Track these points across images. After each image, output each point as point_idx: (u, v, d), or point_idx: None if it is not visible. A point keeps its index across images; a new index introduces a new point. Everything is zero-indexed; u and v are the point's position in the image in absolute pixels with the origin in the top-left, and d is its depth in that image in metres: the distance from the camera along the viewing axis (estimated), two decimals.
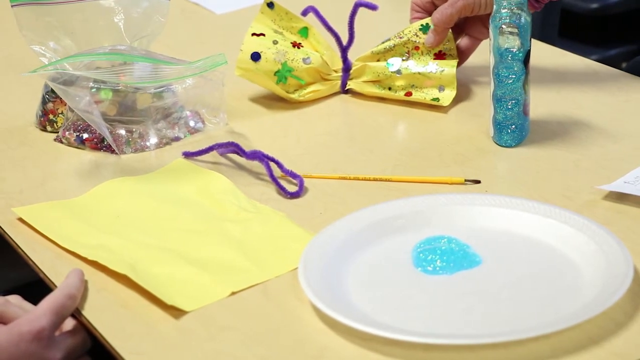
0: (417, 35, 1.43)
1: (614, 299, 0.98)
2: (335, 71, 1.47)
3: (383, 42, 1.44)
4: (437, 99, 1.40)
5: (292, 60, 1.43)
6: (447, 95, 1.40)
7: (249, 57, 1.42)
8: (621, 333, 0.97)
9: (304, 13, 1.46)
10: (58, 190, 1.28)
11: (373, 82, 1.44)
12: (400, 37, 1.43)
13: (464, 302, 1.03)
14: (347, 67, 1.46)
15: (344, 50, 1.45)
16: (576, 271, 1.05)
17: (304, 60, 1.43)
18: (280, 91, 1.44)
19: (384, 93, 1.43)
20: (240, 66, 1.43)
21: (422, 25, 1.43)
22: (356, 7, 1.45)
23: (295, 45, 1.45)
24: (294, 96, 1.44)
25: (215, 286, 1.07)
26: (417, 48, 1.43)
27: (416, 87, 1.42)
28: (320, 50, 1.46)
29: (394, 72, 1.42)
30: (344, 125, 1.42)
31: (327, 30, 1.45)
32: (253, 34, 1.44)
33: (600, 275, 1.03)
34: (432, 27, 1.42)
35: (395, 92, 1.43)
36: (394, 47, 1.43)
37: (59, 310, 1.04)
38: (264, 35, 1.44)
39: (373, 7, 1.45)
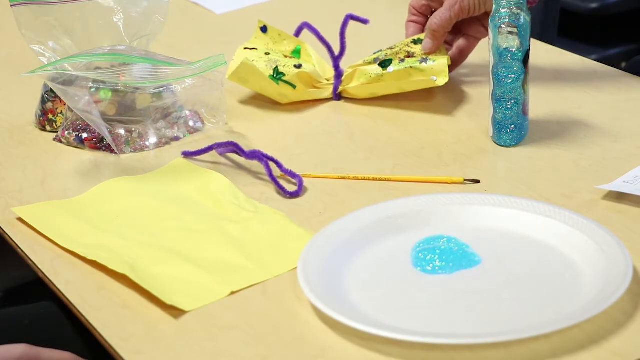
0: (409, 46, 1.43)
1: (613, 298, 0.98)
2: (327, 80, 1.46)
3: (375, 53, 1.44)
4: (430, 82, 1.39)
5: (284, 66, 1.43)
6: (441, 80, 1.39)
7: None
8: (621, 333, 0.97)
9: (297, 33, 1.48)
10: (57, 190, 1.28)
11: (364, 85, 1.43)
12: (392, 49, 1.43)
13: (463, 302, 1.03)
14: (339, 74, 1.45)
15: (336, 59, 1.45)
16: (576, 271, 1.05)
17: (295, 66, 1.43)
18: (270, 90, 1.44)
19: (376, 86, 1.42)
20: (232, 71, 1.43)
21: (414, 39, 1.43)
22: (347, 19, 1.46)
23: (287, 57, 1.46)
24: (285, 93, 1.44)
25: (214, 286, 1.07)
26: (409, 56, 1.42)
27: (408, 80, 1.41)
28: (312, 62, 1.47)
29: (385, 69, 1.41)
30: (343, 125, 1.42)
31: (319, 42, 1.45)
32: (245, 48, 1.45)
33: (600, 275, 1.03)
34: (429, 32, 1.41)
35: (387, 87, 1.42)
36: (385, 57, 1.42)
37: None
38: (256, 49, 1.45)
39: (364, 21, 1.47)
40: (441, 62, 1.40)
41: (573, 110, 1.39)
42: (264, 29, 1.49)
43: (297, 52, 1.48)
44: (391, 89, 1.43)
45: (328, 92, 1.46)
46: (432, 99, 1.45)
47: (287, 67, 1.43)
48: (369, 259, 1.10)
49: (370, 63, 1.43)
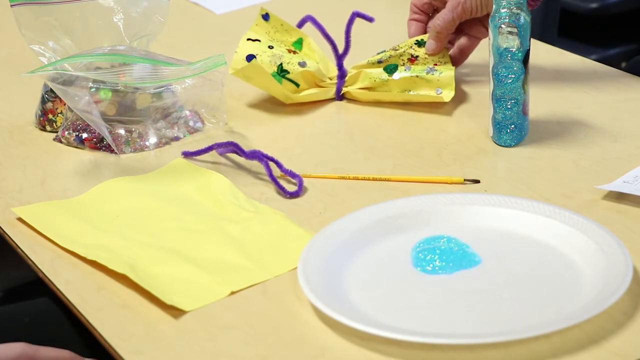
0: (412, 49, 1.42)
1: (613, 298, 0.98)
2: (330, 79, 1.46)
3: (379, 53, 1.44)
4: (435, 97, 1.40)
5: (288, 63, 1.42)
6: (446, 94, 1.40)
7: (244, 59, 1.42)
8: (621, 333, 0.97)
9: (301, 24, 1.47)
10: (57, 190, 1.28)
11: (368, 88, 1.43)
12: (396, 50, 1.43)
13: (463, 302, 1.03)
14: (342, 74, 1.45)
15: (339, 58, 1.45)
16: (576, 271, 1.05)
17: (299, 63, 1.43)
18: (274, 90, 1.43)
19: (381, 94, 1.42)
20: (235, 67, 1.42)
21: (417, 40, 1.43)
22: (353, 16, 1.45)
23: (291, 52, 1.45)
24: (289, 94, 1.43)
25: (214, 286, 1.07)
26: (412, 60, 1.42)
27: (413, 90, 1.41)
28: (315, 59, 1.46)
29: (390, 75, 1.41)
30: (343, 125, 1.42)
31: (323, 38, 1.45)
32: (248, 39, 1.44)
33: (600, 275, 1.03)
34: (433, 33, 1.41)
35: (392, 96, 1.42)
36: (389, 58, 1.42)
37: None
38: (259, 41, 1.44)
39: (370, 19, 1.46)
40: (448, 74, 1.39)
41: (573, 110, 1.39)
42: (266, 17, 1.47)
43: (299, 43, 1.47)
44: (395, 99, 1.42)
45: (331, 92, 1.46)
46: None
47: (292, 65, 1.42)
48: (369, 259, 1.10)
49: (374, 64, 1.42)
